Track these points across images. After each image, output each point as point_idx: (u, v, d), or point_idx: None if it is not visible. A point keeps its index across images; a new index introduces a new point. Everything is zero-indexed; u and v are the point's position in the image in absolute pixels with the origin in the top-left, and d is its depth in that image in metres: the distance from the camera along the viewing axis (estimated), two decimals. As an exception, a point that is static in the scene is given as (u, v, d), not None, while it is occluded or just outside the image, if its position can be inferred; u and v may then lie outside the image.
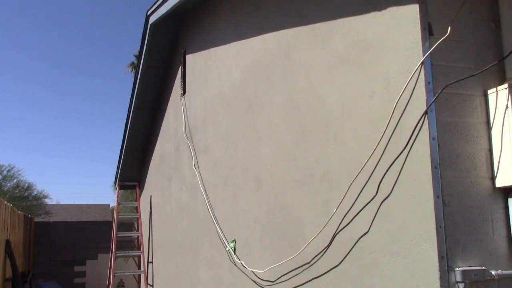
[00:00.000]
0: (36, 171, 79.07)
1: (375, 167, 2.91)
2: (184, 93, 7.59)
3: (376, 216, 2.89)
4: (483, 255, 2.54)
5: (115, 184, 12.04)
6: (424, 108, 2.58)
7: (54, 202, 36.66)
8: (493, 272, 2.50)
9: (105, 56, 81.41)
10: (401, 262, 2.67)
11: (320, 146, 3.53)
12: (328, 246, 3.37)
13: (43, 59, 77.44)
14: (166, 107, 8.84)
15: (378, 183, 2.88)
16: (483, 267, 2.50)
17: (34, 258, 11.45)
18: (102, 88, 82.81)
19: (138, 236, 11.47)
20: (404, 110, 2.72)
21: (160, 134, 9.45)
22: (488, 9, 2.84)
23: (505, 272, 2.53)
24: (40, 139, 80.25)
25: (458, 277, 2.44)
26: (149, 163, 10.49)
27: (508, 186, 2.58)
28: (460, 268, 2.45)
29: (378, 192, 2.89)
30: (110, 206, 36.33)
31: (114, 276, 10.39)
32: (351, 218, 3.12)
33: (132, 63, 27.11)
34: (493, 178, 2.64)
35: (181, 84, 7.69)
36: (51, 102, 79.71)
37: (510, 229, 2.61)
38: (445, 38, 2.62)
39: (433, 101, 2.57)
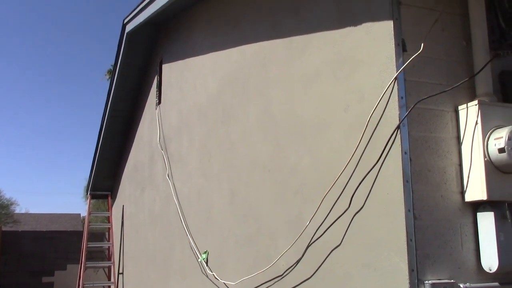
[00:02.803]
0: (3, 178, 77.31)
1: (349, 180, 2.94)
2: (159, 102, 7.55)
3: (349, 229, 2.91)
4: (452, 268, 2.58)
5: (87, 193, 11.86)
6: (397, 122, 2.62)
7: (23, 211, 35.94)
8: (461, 285, 2.54)
9: (81, 63, 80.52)
10: (372, 274, 2.69)
11: (295, 158, 3.55)
12: (301, 258, 3.38)
13: (16, 64, 76.12)
14: (141, 116, 8.78)
15: (351, 196, 2.91)
16: (452, 280, 2.54)
17: (1, 268, 11.16)
18: (76, 96, 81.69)
19: (109, 247, 11.29)
20: (378, 124, 2.76)
21: (134, 143, 9.36)
22: (459, 27, 2.91)
23: (473, 285, 2.57)
24: (8, 144, 78.53)
25: (428, 290, 2.47)
26: (122, 172, 10.38)
27: (476, 200, 2.63)
28: (430, 281, 2.48)
29: (350, 205, 2.91)
30: (81, 215, 35.72)
31: (83, 287, 10.20)
32: (324, 231, 3.14)
33: (109, 71, 26.93)
34: (462, 193, 2.69)
35: (156, 93, 7.65)
36: (20, 108, 78.20)
37: (478, 243, 2.66)
38: (418, 54, 2.68)
39: (406, 115, 2.62)
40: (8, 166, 75.26)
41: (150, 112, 8.12)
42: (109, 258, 11.30)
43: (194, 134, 5.77)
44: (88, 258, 10.65)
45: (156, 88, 7.67)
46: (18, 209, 33.25)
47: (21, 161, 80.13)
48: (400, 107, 2.63)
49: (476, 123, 2.65)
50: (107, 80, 26.75)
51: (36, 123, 78.65)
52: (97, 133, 10.39)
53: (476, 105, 2.66)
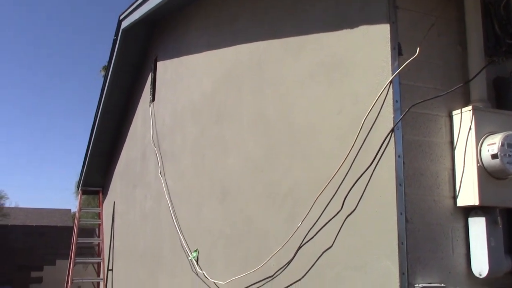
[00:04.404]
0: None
1: (341, 182, 2.94)
2: (153, 99, 7.52)
3: (340, 231, 2.91)
4: (442, 272, 2.59)
5: (78, 189, 11.81)
6: (391, 126, 2.62)
7: (12, 205, 35.69)
8: (451, 290, 2.55)
9: (76, 58, 79.91)
10: (363, 277, 2.70)
11: (287, 160, 3.55)
12: (292, 259, 3.37)
13: (11, 56, 75.60)
14: (135, 113, 8.75)
15: (343, 199, 2.91)
16: (442, 285, 2.54)
17: (-11, 262, 11.10)
18: (70, 91, 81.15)
19: (99, 243, 11.26)
20: (372, 127, 2.76)
21: (126, 140, 9.33)
22: (455, 32, 2.92)
23: (463, 290, 2.58)
24: None
25: (418, 294, 2.47)
26: (114, 168, 10.34)
27: (468, 205, 2.64)
28: (420, 285, 2.49)
29: (343, 208, 2.91)
30: (72, 211, 35.54)
31: (72, 282, 10.16)
32: (315, 233, 3.13)
33: (105, 67, 26.78)
34: (454, 197, 2.70)
35: (150, 91, 7.62)
36: (15, 101, 77.67)
37: (469, 248, 2.67)
38: (413, 58, 2.68)
39: (400, 119, 2.62)
40: (-1, 159, 74.78)
41: (143, 109, 8.10)
42: (98, 254, 11.26)
43: (188, 133, 5.76)
44: (78, 254, 10.61)
45: (150, 85, 7.64)
46: (7, 203, 33.05)
47: (11, 155, 79.57)
48: (395, 110, 2.64)
49: (470, 128, 2.66)
50: (102, 76, 26.57)
51: (27, 118, 78.18)
52: (90, 129, 10.35)
53: (470, 110, 2.67)
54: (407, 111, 2.64)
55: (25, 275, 11.35)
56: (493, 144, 2.58)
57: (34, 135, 79.14)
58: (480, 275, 2.60)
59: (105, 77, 9.10)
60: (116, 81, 8.82)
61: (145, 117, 7.90)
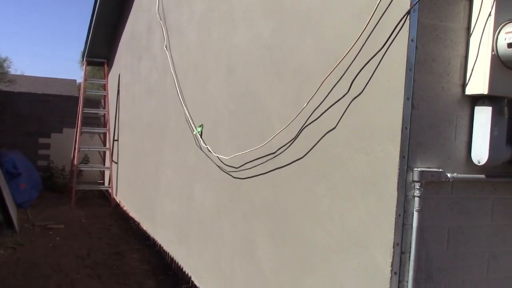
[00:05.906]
0: (-2, 38, 75.62)
1: (350, 64, 2.88)
2: (159, -32, 7.18)
3: (345, 113, 2.92)
4: (442, 158, 2.63)
5: (83, 60, 11.72)
6: (408, 7, 2.52)
7: (18, 73, 35.71)
8: (448, 175, 2.61)
9: None
10: (363, 159, 2.75)
11: (297, 38, 3.46)
12: (295, 138, 3.43)
13: None
14: (140, -18, 8.41)
15: (351, 81, 2.88)
16: (440, 169, 2.60)
17: (-2, 127, 11.31)
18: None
19: (104, 114, 11.43)
20: (387, 8, 2.64)
21: (132, 11, 9.07)
22: None
23: (460, 175, 2.64)
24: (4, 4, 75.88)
25: (416, 177, 2.54)
26: (119, 40, 10.18)
27: (477, 94, 2.61)
28: (419, 169, 2.54)
29: (350, 90, 2.89)
30: (77, 82, 35.63)
31: (79, 151, 10.48)
32: (320, 113, 3.15)
33: None
34: (463, 85, 2.67)
35: (157, -41, 7.25)
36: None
37: (471, 137, 2.70)
38: None
39: (418, 1, 2.50)
40: (3, 25, 73.48)
41: (149, -22, 7.77)
42: (104, 125, 11.49)
43: (195, 7, 5.57)
44: (84, 124, 10.82)
45: (157, -48, 7.25)
46: (13, 70, 33.05)
47: (15, 21, 77.96)
48: (413, -9, 2.51)
49: (490, 14, 2.55)
50: None
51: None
52: (94, -3, 10.01)
53: (492, -5, 2.54)
54: (426, -8, 2.51)
55: (33, 141, 11.65)
56: (510, 32, 2.49)
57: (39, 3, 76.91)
58: (479, 162, 2.65)
59: None
60: None
61: (151, -13, 7.60)
